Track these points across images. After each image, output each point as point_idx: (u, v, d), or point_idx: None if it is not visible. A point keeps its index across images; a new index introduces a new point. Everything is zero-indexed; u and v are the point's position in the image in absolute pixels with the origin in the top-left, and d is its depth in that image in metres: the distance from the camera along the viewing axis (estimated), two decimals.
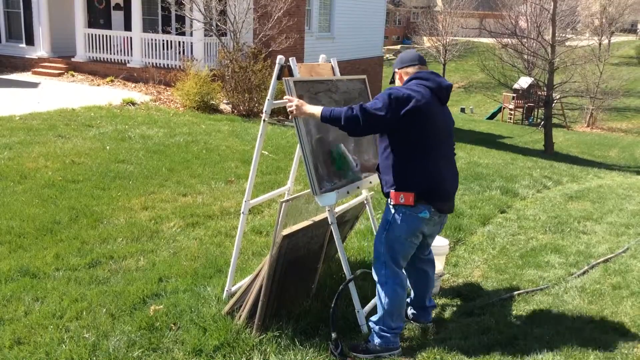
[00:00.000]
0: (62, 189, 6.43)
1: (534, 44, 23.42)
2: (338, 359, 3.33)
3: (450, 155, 3.46)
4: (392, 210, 3.36)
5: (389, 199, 3.37)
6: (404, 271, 3.53)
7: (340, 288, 3.48)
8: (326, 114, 3.28)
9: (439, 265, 4.27)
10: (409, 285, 3.82)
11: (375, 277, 3.51)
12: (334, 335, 3.37)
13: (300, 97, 3.44)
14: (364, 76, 4.24)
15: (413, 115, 3.20)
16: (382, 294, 3.45)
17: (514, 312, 4.02)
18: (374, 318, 3.52)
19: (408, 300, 3.86)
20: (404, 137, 3.27)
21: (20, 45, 17.91)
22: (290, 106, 3.35)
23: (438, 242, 4.38)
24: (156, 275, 4.37)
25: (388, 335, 3.44)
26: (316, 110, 3.33)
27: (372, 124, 3.24)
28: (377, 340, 3.45)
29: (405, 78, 3.44)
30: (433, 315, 3.96)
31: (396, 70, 3.54)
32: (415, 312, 3.88)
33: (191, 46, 15.53)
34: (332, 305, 3.45)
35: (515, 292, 4.35)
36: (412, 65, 3.48)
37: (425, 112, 3.22)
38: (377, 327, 3.47)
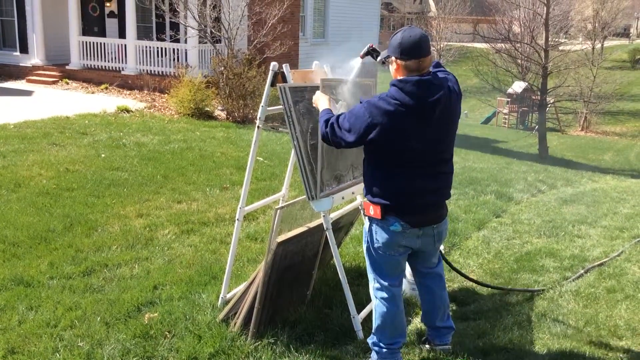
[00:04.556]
0: (57, 197, 6.41)
1: (528, 49, 23.54)
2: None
3: (437, 169, 3.10)
4: (368, 222, 3.22)
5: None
6: (398, 287, 3.31)
7: None
8: (320, 120, 3.23)
9: None
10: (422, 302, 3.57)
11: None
12: None
13: (295, 103, 3.45)
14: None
15: (380, 139, 2.95)
16: (373, 308, 3.34)
17: (509, 317, 4.02)
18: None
19: (418, 318, 3.67)
20: (374, 148, 3.06)
21: (15, 54, 17.88)
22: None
23: None
24: (151, 283, 4.36)
25: (383, 350, 3.29)
26: (321, 107, 3.29)
27: (339, 144, 3.12)
28: (374, 356, 3.34)
29: (399, 76, 2.98)
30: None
31: (393, 57, 3.01)
32: (429, 332, 3.56)
33: (185, 53, 15.55)
34: None
35: (509, 288, 4.36)
36: (411, 58, 2.94)
37: (398, 133, 2.93)
38: (370, 342, 3.37)
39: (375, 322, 3.31)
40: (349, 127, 3.03)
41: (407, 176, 3.04)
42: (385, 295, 3.27)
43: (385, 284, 3.27)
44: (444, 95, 2.95)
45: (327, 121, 3.15)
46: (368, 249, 3.26)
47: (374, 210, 3.11)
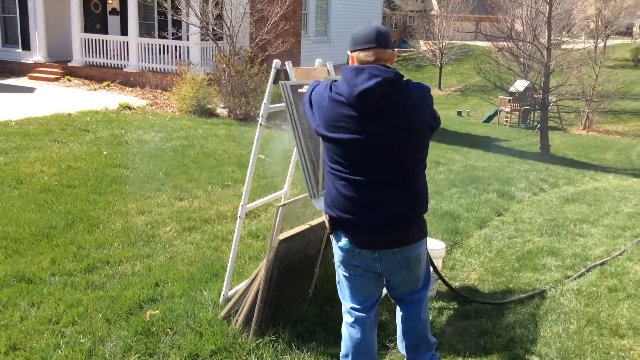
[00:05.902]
0: (58, 194, 6.41)
1: (530, 47, 23.48)
2: None
3: (393, 180, 2.64)
4: None
5: None
6: (364, 313, 2.89)
7: None
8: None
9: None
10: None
11: None
12: None
13: (297, 100, 3.44)
14: None
15: (320, 126, 2.70)
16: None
17: (510, 315, 4.02)
18: None
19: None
20: (321, 139, 2.78)
21: (17, 50, 17.89)
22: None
23: (435, 246, 4.39)
24: (152, 280, 4.36)
25: None
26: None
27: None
28: None
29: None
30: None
31: (349, 53, 2.77)
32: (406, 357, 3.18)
33: (187, 50, 15.55)
34: None
35: (513, 298, 4.36)
36: (363, 49, 2.68)
37: (336, 125, 2.63)
38: None
39: (341, 347, 3.01)
40: (313, 98, 2.82)
41: (353, 184, 2.65)
42: (349, 319, 2.91)
43: (348, 306, 2.91)
44: (380, 85, 2.54)
45: (313, 85, 2.94)
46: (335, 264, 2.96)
47: (327, 222, 2.79)
